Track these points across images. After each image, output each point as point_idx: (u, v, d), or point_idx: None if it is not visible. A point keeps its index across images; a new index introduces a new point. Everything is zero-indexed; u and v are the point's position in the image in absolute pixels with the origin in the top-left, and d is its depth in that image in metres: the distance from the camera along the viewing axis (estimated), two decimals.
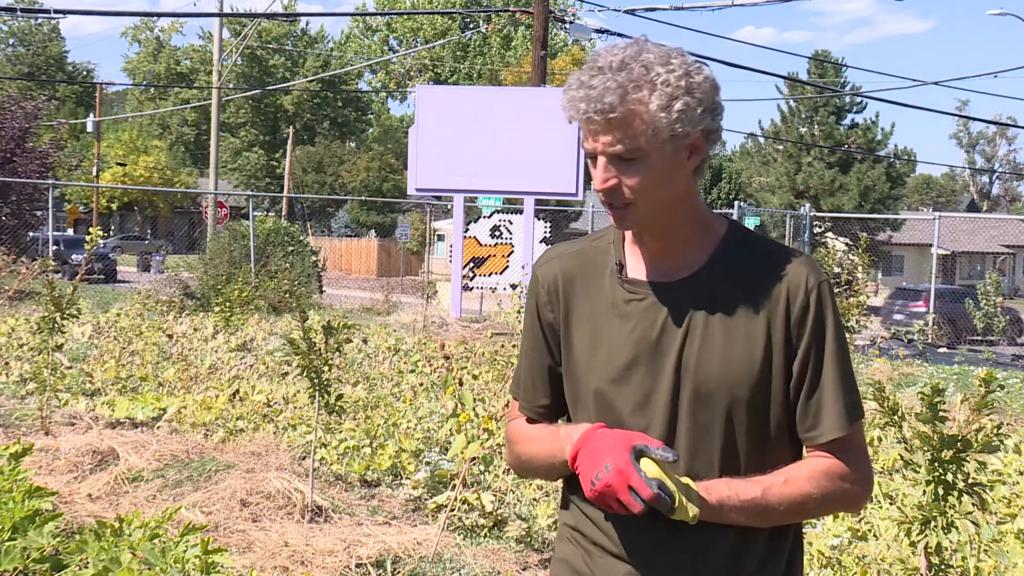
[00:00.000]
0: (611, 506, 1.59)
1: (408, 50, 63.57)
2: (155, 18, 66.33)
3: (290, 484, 4.87)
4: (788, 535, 1.75)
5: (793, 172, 35.40)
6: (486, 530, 4.75)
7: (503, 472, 5.40)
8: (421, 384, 8.45)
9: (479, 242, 16.24)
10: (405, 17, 63.31)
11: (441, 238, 40.20)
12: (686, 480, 1.61)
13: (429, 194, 19.08)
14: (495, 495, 4.91)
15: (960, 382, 10.36)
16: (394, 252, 43.41)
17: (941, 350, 16.02)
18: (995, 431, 3.36)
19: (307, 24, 66.71)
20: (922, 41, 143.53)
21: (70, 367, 7.82)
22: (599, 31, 21.50)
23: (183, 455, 5.62)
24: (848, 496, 1.70)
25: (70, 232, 37.35)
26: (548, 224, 17.10)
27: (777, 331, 1.67)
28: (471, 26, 58.03)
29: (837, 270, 12.95)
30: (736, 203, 18.51)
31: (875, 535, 4.62)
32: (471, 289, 16.73)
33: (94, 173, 44.60)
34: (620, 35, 21.32)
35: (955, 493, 3.13)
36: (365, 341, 11.53)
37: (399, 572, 4.18)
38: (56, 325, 6.36)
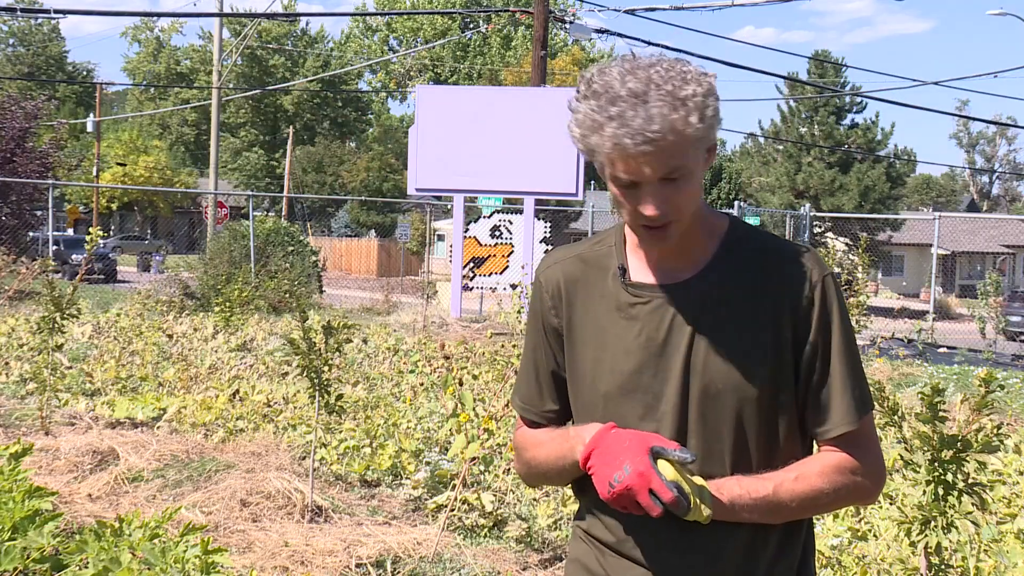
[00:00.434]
0: (627, 508, 1.58)
1: (408, 50, 63.57)
2: (155, 18, 66.43)
3: (290, 484, 4.87)
4: (800, 531, 1.75)
5: (793, 172, 35.38)
6: (486, 530, 4.75)
7: (503, 472, 5.40)
8: (421, 384, 8.45)
9: (479, 242, 16.24)
10: (405, 17, 63.31)
11: (441, 238, 40.20)
12: (699, 480, 1.61)
13: (429, 194, 19.08)
14: (495, 495, 4.91)
15: (960, 382, 10.36)
16: (394, 252, 43.42)
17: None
18: (995, 431, 3.36)
19: (307, 24, 66.81)
20: (922, 41, 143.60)
21: (70, 367, 7.82)
22: (599, 31, 21.51)
23: (183, 455, 5.62)
24: (860, 489, 1.70)
25: (70, 232, 37.35)
26: (548, 224, 17.10)
27: (784, 327, 1.67)
28: (471, 26, 58.03)
29: (837, 270, 12.95)
30: (736, 203, 18.52)
31: (875, 535, 4.62)
32: (471, 289, 16.73)
33: (94, 173, 44.61)
34: (620, 35, 21.35)
35: (955, 493, 3.12)
36: (365, 341, 11.53)
37: (399, 572, 4.18)
38: (56, 325, 6.36)
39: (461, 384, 6.38)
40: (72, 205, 46.13)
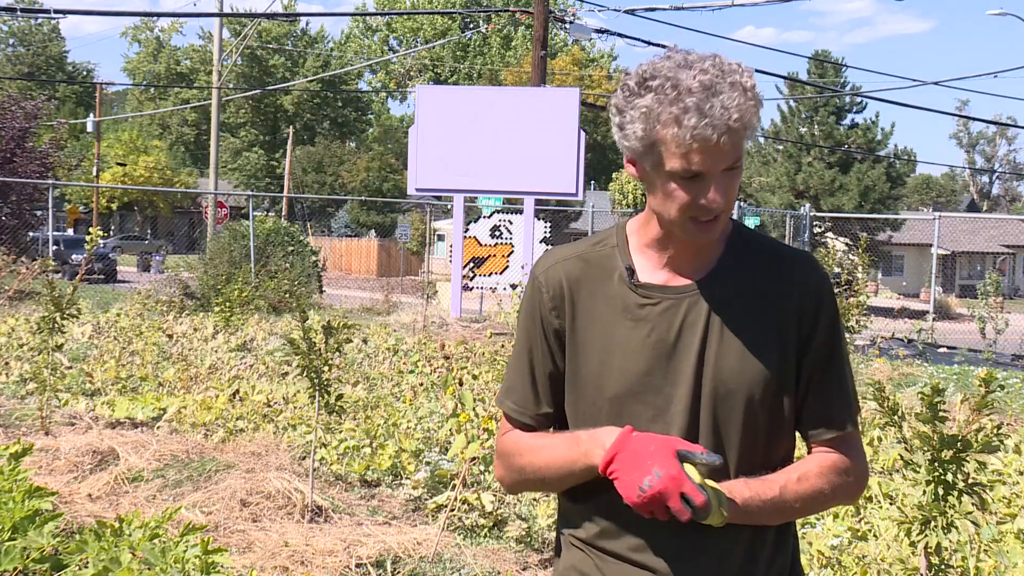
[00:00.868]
0: (655, 513, 1.57)
1: (408, 50, 63.58)
2: (155, 18, 66.45)
3: (290, 484, 4.87)
4: (790, 529, 1.78)
5: (793, 172, 35.37)
6: (486, 530, 4.75)
7: None
8: (421, 384, 8.45)
9: (479, 242, 16.24)
10: (405, 17, 63.33)
11: (441, 238, 40.19)
12: (711, 483, 1.61)
13: (429, 194, 19.08)
14: (495, 495, 4.91)
15: (960, 382, 10.36)
16: (394, 252, 43.42)
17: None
18: (995, 431, 3.36)
19: (307, 24, 66.82)
20: (922, 41, 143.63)
21: (70, 367, 7.82)
22: (599, 31, 21.52)
23: (183, 455, 5.62)
24: (849, 489, 1.74)
25: (70, 232, 37.34)
26: (548, 224, 17.10)
27: (787, 329, 1.69)
28: (471, 26, 58.04)
29: (837, 270, 12.97)
30: (736, 203, 18.50)
31: (875, 535, 4.62)
32: (471, 289, 16.73)
33: (94, 173, 44.60)
34: (620, 35, 21.39)
35: (955, 493, 3.13)
36: (365, 341, 11.53)
37: (399, 572, 4.18)
38: (56, 325, 6.36)
39: (461, 384, 6.38)
40: (72, 205, 46.12)
